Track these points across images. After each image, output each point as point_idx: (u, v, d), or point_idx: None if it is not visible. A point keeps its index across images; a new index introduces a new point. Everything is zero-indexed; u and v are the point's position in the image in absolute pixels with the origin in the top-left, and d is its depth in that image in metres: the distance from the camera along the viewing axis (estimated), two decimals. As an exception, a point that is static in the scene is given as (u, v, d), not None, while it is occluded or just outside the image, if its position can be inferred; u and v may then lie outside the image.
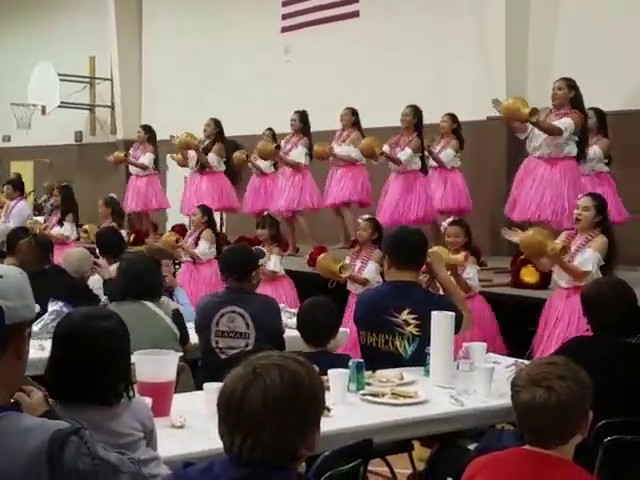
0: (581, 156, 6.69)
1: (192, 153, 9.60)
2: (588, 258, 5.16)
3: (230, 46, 12.83)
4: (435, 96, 9.63)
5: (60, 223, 9.16)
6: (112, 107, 15.21)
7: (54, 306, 4.42)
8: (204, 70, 13.26)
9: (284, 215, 9.25)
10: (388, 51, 10.63)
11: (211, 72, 13.14)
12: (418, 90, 9.78)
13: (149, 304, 4.16)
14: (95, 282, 4.89)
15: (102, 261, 5.10)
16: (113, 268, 5.14)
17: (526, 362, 3.79)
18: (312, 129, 9.38)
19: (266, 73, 12.23)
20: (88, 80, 15.51)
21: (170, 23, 14.14)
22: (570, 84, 6.59)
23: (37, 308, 1.92)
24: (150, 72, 14.80)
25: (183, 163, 9.91)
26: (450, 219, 6.25)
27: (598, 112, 7.33)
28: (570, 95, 6.56)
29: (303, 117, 9.28)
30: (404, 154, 8.08)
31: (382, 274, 6.40)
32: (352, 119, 9.01)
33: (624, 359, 3.41)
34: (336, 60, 11.28)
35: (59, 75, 14.60)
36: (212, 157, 9.52)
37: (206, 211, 7.88)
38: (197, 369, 4.33)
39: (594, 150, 7.17)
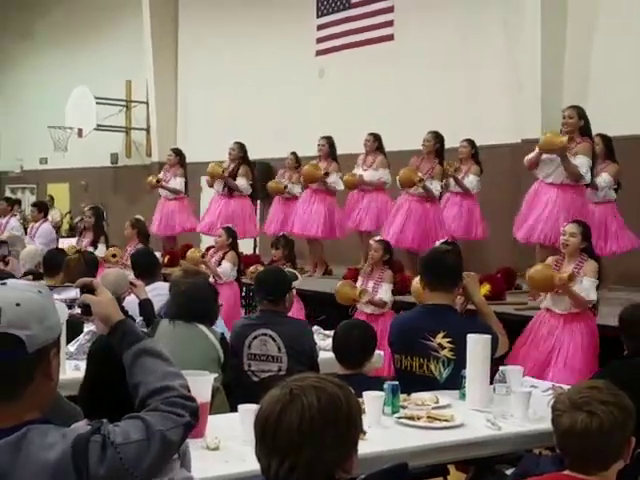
0: (590, 182, 6.84)
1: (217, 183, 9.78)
2: (589, 286, 5.36)
3: (265, 70, 12.92)
4: (468, 120, 9.62)
5: (93, 245, 9.21)
6: (147, 130, 15.41)
7: (90, 326, 4.43)
8: (238, 93, 13.36)
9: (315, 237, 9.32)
10: (421, 74, 10.64)
11: (245, 95, 13.23)
12: (450, 114, 9.79)
13: (202, 327, 4.14)
14: (130, 303, 4.91)
15: (139, 282, 5.12)
16: (148, 289, 5.17)
17: (564, 386, 3.74)
18: (342, 152, 9.43)
19: (299, 96, 12.29)
20: (124, 103, 15.73)
21: (206, 47, 14.30)
22: (580, 112, 6.79)
23: (65, 314, 1.91)
24: (185, 95, 14.98)
25: (211, 185, 10.00)
26: (443, 240, 6.30)
27: (605, 138, 7.35)
28: (580, 123, 6.75)
29: (330, 142, 9.35)
30: (435, 185, 8.11)
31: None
32: (375, 144, 9.04)
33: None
34: (369, 83, 11.31)
35: (96, 98, 14.82)
36: (241, 182, 9.64)
37: (231, 233, 7.89)
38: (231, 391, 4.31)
39: (603, 178, 7.24)
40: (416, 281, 5.22)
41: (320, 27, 12.29)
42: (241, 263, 7.87)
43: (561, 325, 5.44)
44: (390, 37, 11.26)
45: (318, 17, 12.29)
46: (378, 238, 7.02)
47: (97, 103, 14.86)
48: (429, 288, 4.06)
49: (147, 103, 15.29)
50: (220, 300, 7.38)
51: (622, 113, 8.33)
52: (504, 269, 8.07)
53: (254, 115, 12.75)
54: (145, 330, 4.20)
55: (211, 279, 7.61)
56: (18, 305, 1.78)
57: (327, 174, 9.13)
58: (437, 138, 8.27)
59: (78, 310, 2.18)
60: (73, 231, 13.40)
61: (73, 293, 2.19)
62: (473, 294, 4.15)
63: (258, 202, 10.63)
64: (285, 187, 9.81)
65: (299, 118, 12.01)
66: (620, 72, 8.62)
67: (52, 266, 6.05)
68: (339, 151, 9.46)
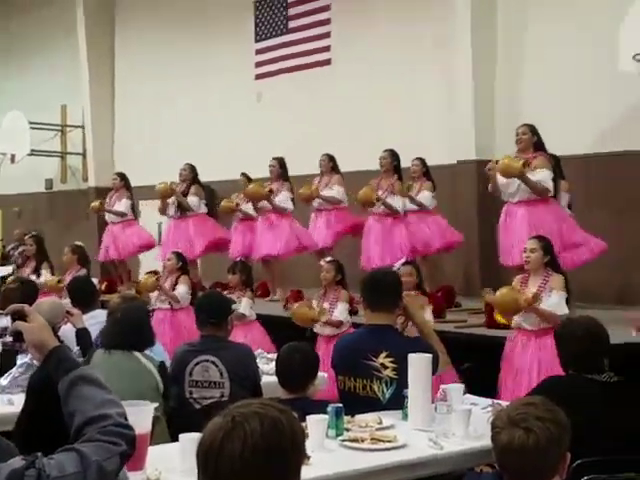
0: (556, 192, 6.88)
1: (171, 199, 9.62)
2: (558, 301, 5.31)
3: (204, 93, 12.91)
4: (406, 141, 9.73)
5: (36, 272, 9.06)
6: (84, 154, 15.19)
7: (24, 358, 4.30)
8: (177, 117, 13.32)
9: (267, 259, 9.30)
10: (359, 97, 10.77)
11: (184, 119, 13.19)
12: (389, 135, 9.90)
13: (139, 355, 4.05)
14: (67, 332, 4.81)
15: (75, 310, 5.03)
16: (85, 318, 5.08)
17: (502, 403, 3.79)
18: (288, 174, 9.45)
19: (240, 119, 12.30)
20: (60, 128, 15.50)
21: (143, 70, 14.21)
22: (532, 129, 6.91)
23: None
24: (123, 119, 14.84)
25: (163, 212, 9.87)
26: (402, 260, 6.41)
27: (554, 158, 7.46)
28: (533, 139, 6.86)
29: (281, 163, 9.36)
30: (395, 202, 8.17)
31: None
32: (330, 165, 9.11)
33: (598, 397, 3.43)
34: (309, 106, 11.40)
35: (30, 123, 14.57)
36: (192, 199, 9.56)
37: (181, 257, 7.85)
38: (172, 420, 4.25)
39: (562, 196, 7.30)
40: None
41: (258, 51, 12.35)
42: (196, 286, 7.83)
43: (533, 341, 5.40)
44: (327, 62, 11.37)
45: (256, 42, 12.35)
46: (329, 259, 7.00)
47: (31, 128, 14.61)
48: (370, 309, 4.09)
49: (83, 127, 15.10)
50: (180, 327, 7.39)
51: (552, 135, 8.53)
52: (444, 287, 8.18)
53: (195, 139, 12.70)
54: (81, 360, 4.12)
55: (166, 305, 7.57)
56: None
57: (271, 191, 9.09)
58: (393, 156, 8.39)
59: (10, 338, 2.13)
60: (5, 260, 13.11)
61: (4, 321, 2.14)
62: (414, 314, 4.19)
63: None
64: (237, 204, 9.72)
65: (241, 141, 12.00)
66: (550, 94, 8.84)
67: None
68: (291, 173, 9.46)
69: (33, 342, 2.09)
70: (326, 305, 6.65)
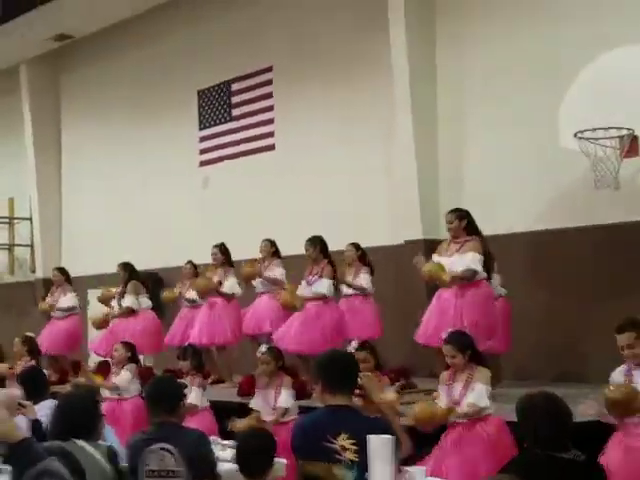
0: (489, 275, 7.03)
1: (113, 301, 9.67)
2: (480, 394, 5.40)
3: (149, 178, 13.01)
4: (350, 224, 9.89)
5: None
6: (31, 246, 15.05)
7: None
8: (124, 206, 13.35)
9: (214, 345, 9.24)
10: (302, 182, 10.95)
11: (129, 206, 13.24)
12: (335, 218, 10.07)
13: (84, 444, 3.91)
14: (19, 423, 4.69)
15: (27, 402, 4.92)
16: (37, 408, 4.97)
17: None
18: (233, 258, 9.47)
19: (185, 205, 12.37)
20: (7, 220, 15.39)
21: (89, 161, 14.29)
22: (460, 215, 7.06)
23: None
24: (69, 209, 14.80)
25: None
26: (355, 343, 6.36)
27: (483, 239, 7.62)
28: (462, 224, 7.01)
29: (223, 249, 9.38)
30: (322, 286, 8.17)
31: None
32: (271, 250, 9.17)
33: (556, 475, 3.44)
34: (253, 191, 11.53)
35: (-23, 216, 14.47)
36: (128, 300, 9.52)
37: (129, 347, 7.75)
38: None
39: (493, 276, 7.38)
40: None
41: (203, 139, 12.50)
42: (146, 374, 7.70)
43: (464, 434, 5.43)
44: (271, 147, 11.56)
45: (201, 129, 12.51)
46: (264, 349, 6.86)
47: (-22, 221, 14.51)
48: (328, 391, 4.06)
49: (31, 219, 15.01)
50: (125, 417, 7.23)
51: (495, 212, 8.75)
52: (397, 368, 8.15)
53: (142, 226, 12.72)
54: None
55: (114, 394, 7.43)
56: None
57: (220, 283, 9.12)
58: (314, 244, 8.36)
59: None
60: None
61: None
62: (372, 394, 4.17)
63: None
64: (179, 293, 9.75)
65: (186, 227, 12.05)
66: (492, 174, 9.09)
67: None
68: (233, 258, 9.49)
69: None
70: (272, 393, 6.59)
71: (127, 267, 9.74)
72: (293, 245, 9.33)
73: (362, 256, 8.65)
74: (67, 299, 10.32)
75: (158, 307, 10.32)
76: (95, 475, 3.87)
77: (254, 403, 6.78)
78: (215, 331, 9.13)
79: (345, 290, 8.50)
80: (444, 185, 9.56)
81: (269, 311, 9.00)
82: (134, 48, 13.40)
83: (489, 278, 7.07)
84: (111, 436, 5.25)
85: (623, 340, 5.00)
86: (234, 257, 9.48)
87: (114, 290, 9.70)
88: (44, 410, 5.17)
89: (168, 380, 5.03)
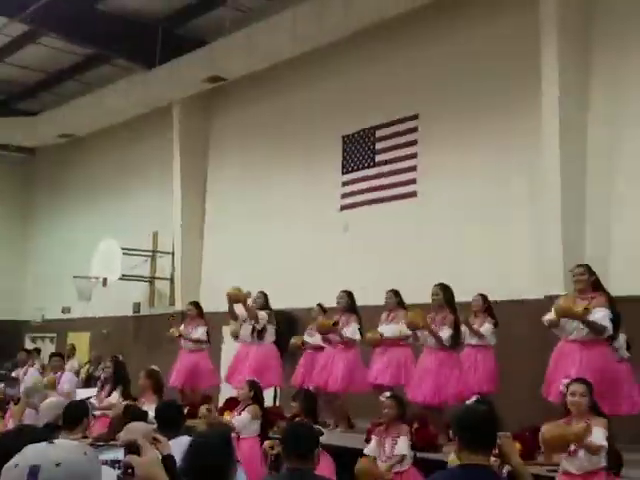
0: (615, 335, 6.89)
1: (244, 319, 9.74)
2: (600, 437, 5.27)
3: (291, 222, 13.18)
4: (491, 278, 9.66)
5: (109, 394, 9.17)
6: (172, 280, 15.54)
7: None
8: (264, 244, 13.57)
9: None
10: (444, 229, 10.82)
11: (270, 247, 13.44)
12: (473, 268, 9.85)
13: None
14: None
15: (162, 438, 4.97)
16: (171, 443, 5.02)
17: None
18: (368, 303, 9.44)
19: (324, 249, 12.46)
20: (150, 254, 15.97)
21: (233, 203, 14.64)
22: (589, 269, 7.02)
23: None
24: (211, 247, 15.20)
25: (236, 333, 9.99)
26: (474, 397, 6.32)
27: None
28: (591, 279, 6.96)
29: (350, 297, 9.39)
30: (444, 334, 8.03)
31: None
32: (396, 300, 9.13)
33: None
34: (392, 238, 11.48)
35: (123, 249, 15.07)
36: (261, 314, 9.65)
37: (254, 386, 7.82)
38: None
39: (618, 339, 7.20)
40: None
41: (345, 183, 12.59)
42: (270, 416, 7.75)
43: None
44: (413, 194, 11.50)
45: (343, 174, 12.62)
46: (388, 394, 6.91)
47: (124, 254, 15.10)
48: (466, 449, 3.92)
49: (173, 253, 15.51)
50: (241, 457, 7.25)
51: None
52: (533, 427, 7.85)
53: (280, 266, 12.89)
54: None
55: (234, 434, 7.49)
56: (58, 465, 1.71)
57: (336, 323, 9.11)
58: (444, 290, 8.23)
59: (121, 471, 2.12)
60: (89, 381, 13.30)
61: (119, 454, 2.13)
62: (510, 455, 4.01)
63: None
64: (303, 343, 9.92)
65: (324, 270, 12.12)
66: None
67: (72, 419, 5.91)
68: (365, 302, 9.46)
69: (144, 477, 2.08)
70: (389, 441, 6.58)
71: (266, 297, 9.90)
72: (422, 294, 9.23)
73: (489, 307, 8.50)
74: (198, 332, 10.51)
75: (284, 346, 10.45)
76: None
77: (369, 450, 6.78)
78: (328, 377, 9.13)
79: (468, 340, 8.35)
80: (590, 239, 9.20)
81: (391, 364, 8.91)
82: (283, 93, 13.71)
83: (614, 338, 6.93)
84: (242, 477, 5.25)
85: None
86: (373, 302, 9.44)
87: (245, 295, 9.64)
88: (177, 447, 5.21)
89: (305, 426, 4.98)
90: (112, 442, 2.22)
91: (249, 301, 9.68)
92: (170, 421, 5.71)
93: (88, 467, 1.78)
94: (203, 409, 7.75)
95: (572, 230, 9.23)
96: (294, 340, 10.12)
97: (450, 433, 7.91)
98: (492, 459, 4.14)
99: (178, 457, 4.81)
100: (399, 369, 8.90)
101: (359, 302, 9.44)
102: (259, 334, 9.72)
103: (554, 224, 9.27)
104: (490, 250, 10.22)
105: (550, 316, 6.98)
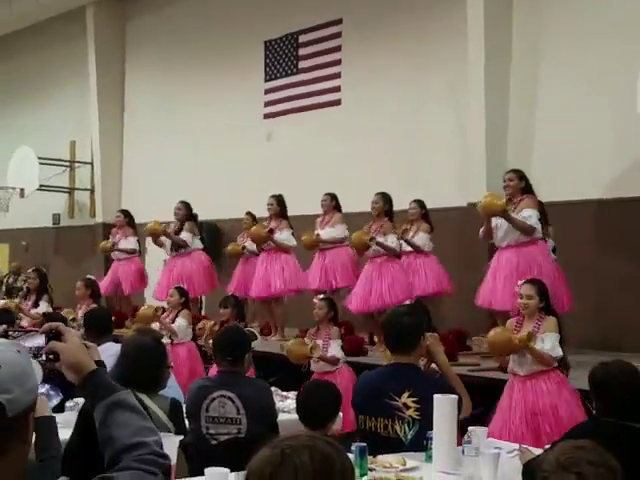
0: (545, 235, 7.00)
1: (166, 240, 9.71)
2: (552, 343, 5.27)
3: (212, 130, 12.94)
4: (414, 183, 9.75)
5: (36, 305, 9.09)
6: (92, 190, 15.21)
7: (41, 389, 4.26)
8: (184, 153, 13.35)
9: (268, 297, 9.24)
10: (367, 138, 10.79)
11: (191, 155, 13.23)
12: (397, 177, 9.91)
13: (143, 397, 3.74)
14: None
15: (91, 344, 4.95)
16: (100, 349, 5.00)
17: (531, 448, 3.71)
18: (292, 213, 9.42)
19: (247, 158, 12.33)
20: (68, 164, 15.54)
21: (152, 109, 14.28)
22: (520, 175, 7.04)
23: (40, 374, 1.83)
24: (131, 156, 14.88)
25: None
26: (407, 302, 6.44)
27: (540, 204, 7.46)
28: (521, 185, 6.99)
29: (280, 201, 9.34)
30: (390, 240, 8.13)
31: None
32: (332, 204, 9.10)
33: (628, 444, 3.35)
34: (316, 146, 11.42)
35: (39, 159, 14.61)
36: (185, 235, 9.63)
37: (183, 292, 7.89)
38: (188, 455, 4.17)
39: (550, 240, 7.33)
40: None
41: (268, 91, 12.40)
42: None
43: (528, 387, 5.33)
44: (337, 102, 11.41)
45: (266, 81, 12.42)
46: (322, 296, 7.04)
47: (40, 163, 14.64)
48: (391, 349, 4.03)
49: (92, 164, 15.13)
50: (175, 361, 7.30)
51: (564, 178, 8.54)
52: (455, 330, 8.10)
53: (202, 176, 12.74)
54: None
55: (167, 339, 7.51)
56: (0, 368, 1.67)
57: (272, 231, 9.09)
58: (384, 198, 8.33)
59: (44, 358, 2.03)
60: (9, 293, 13.09)
61: (39, 340, 2.04)
62: (436, 354, 4.13)
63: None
64: (243, 248, 9.81)
65: (249, 179, 12.02)
66: (562, 137, 8.84)
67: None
68: (293, 212, 9.45)
69: (69, 363, 2.00)
70: (319, 342, 6.67)
71: (188, 207, 9.80)
72: (354, 202, 9.27)
73: (425, 214, 8.56)
74: (129, 242, 10.40)
75: (216, 257, 10.41)
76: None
77: None
78: (266, 284, 9.15)
79: (403, 246, 8.45)
80: (512, 149, 9.33)
81: (337, 266, 8.94)
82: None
83: (544, 239, 7.02)
84: (173, 384, 5.28)
85: None
86: (295, 212, 9.44)
87: (166, 226, 9.68)
88: (107, 352, 5.20)
89: (236, 330, 5.01)
90: (31, 330, 2.11)
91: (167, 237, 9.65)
92: (98, 327, 5.69)
93: (24, 365, 1.74)
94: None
95: (495, 135, 9.32)
96: (230, 247, 10.01)
97: (374, 337, 8.14)
98: (420, 358, 4.27)
99: (106, 362, 4.84)
100: (343, 272, 8.92)
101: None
102: (178, 247, 9.67)
103: (478, 127, 9.35)
104: (414, 159, 10.27)
105: (482, 228, 6.98)
